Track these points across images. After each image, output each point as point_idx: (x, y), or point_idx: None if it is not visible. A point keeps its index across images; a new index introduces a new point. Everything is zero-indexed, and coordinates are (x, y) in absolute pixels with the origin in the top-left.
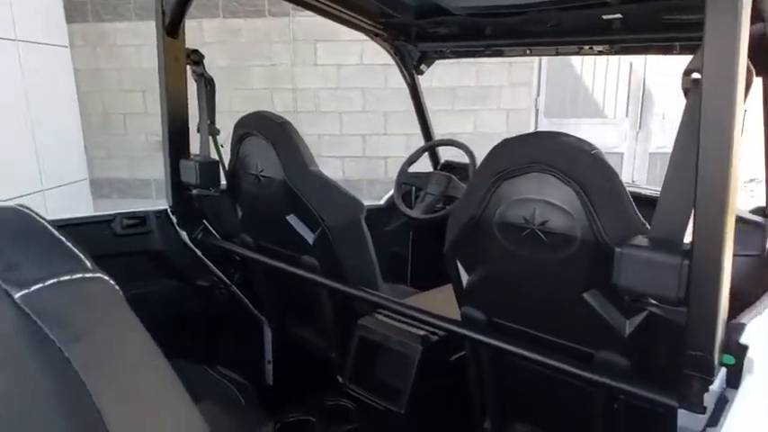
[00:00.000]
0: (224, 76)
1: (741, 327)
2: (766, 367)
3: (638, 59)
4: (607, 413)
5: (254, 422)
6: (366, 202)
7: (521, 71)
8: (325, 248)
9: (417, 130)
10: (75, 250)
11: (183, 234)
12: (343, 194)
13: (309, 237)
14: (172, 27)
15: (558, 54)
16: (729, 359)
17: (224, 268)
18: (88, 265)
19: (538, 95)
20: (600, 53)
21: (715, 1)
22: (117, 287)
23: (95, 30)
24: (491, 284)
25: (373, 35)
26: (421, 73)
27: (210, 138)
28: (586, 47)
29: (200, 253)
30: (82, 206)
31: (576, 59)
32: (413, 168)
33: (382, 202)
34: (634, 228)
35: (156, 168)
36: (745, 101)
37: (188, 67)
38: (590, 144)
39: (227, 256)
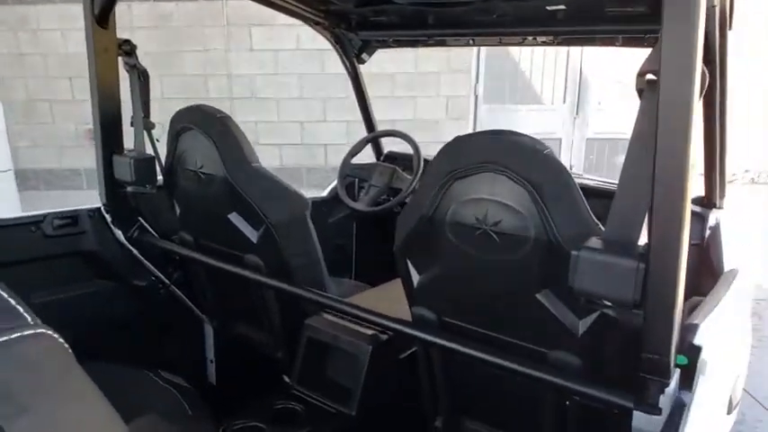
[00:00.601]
0: (155, 63)
1: (694, 328)
2: (718, 367)
3: (575, 48)
4: (559, 412)
5: (202, 429)
6: (308, 193)
7: (460, 58)
8: (269, 247)
9: (358, 116)
10: (12, 301)
11: (118, 233)
12: (288, 191)
13: (253, 235)
14: (102, 16)
15: (501, 44)
16: (683, 360)
17: (162, 267)
18: (29, 318)
19: (477, 82)
20: (543, 44)
21: (673, 3)
22: (63, 342)
23: (16, 12)
24: (443, 285)
25: (313, 23)
26: (362, 62)
27: (146, 132)
28: (530, 38)
29: (136, 252)
30: (6, 199)
31: (514, 47)
32: (355, 159)
33: (325, 193)
34: (588, 228)
35: (86, 158)
36: (699, 100)
37: (120, 58)
38: (542, 144)
39: (165, 255)
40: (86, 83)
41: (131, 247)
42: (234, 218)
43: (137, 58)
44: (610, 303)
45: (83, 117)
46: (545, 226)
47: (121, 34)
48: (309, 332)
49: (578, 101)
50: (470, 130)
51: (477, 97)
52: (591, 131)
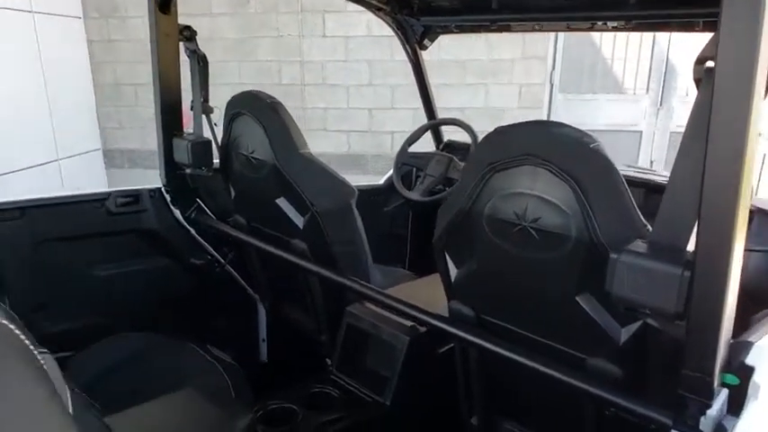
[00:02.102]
0: (232, 49)
1: (747, 345)
2: None
3: (662, 33)
4: (596, 421)
5: (237, 406)
6: (368, 179)
7: (535, 44)
8: (314, 233)
9: (441, 103)
10: None
11: (177, 213)
12: (334, 179)
13: (299, 221)
14: (164, 2)
15: (569, 30)
16: (733, 380)
17: (218, 247)
18: None
19: (553, 69)
20: (615, 29)
21: None
22: (17, 331)
23: (108, 1)
24: (480, 281)
25: (375, 9)
26: (424, 48)
27: (204, 116)
28: (600, 23)
29: (193, 231)
30: (95, 176)
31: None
32: (413, 148)
33: (382, 181)
34: (634, 230)
35: None
36: (766, 95)
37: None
38: (590, 136)
39: (221, 235)
40: None
41: (189, 227)
42: (282, 203)
43: (196, 44)
44: (650, 312)
45: None
46: (587, 225)
47: (201, 20)
48: (350, 319)
49: (663, 90)
50: None
51: (552, 86)
52: (675, 124)
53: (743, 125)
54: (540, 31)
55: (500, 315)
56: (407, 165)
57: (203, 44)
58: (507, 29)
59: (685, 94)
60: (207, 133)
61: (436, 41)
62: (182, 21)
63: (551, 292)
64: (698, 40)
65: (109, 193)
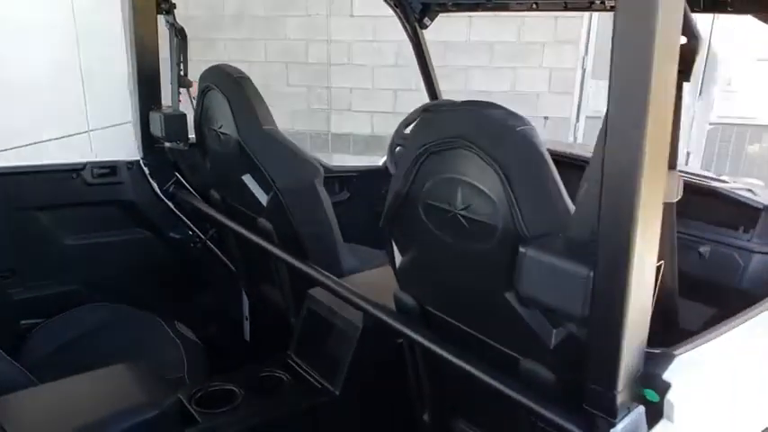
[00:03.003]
0: (260, 27)
1: (668, 358)
2: (715, 415)
3: (703, 17)
4: (531, 423)
5: (183, 384)
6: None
7: (568, 27)
8: (278, 212)
9: (451, 86)
10: None
11: (156, 186)
12: (297, 157)
13: (263, 199)
14: None
15: (566, 9)
16: (653, 396)
17: (199, 223)
18: None
19: (586, 54)
20: (612, 9)
21: None
22: None
23: None
24: (420, 270)
25: None
26: (424, 27)
27: (187, 91)
28: (598, 1)
29: (171, 205)
30: (127, 148)
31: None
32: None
33: (381, 162)
34: (557, 222)
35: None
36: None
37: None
38: (520, 119)
39: (197, 210)
40: (199, 44)
41: (167, 201)
42: (247, 179)
43: (174, 17)
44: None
45: (194, 77)
46: (512, 215)
47: None
48: (310, 302)
49: (703, 79)
50: (575, 107)
51: (584, 71)
52: (715, 115)
53: (638, 100)
54: (537, 10)
55: (441, 307)
56: (402, 146)
57: (232, 23)
58: (505, 8)
59: (727, 83)
60: (187, 108)
61: (466, 22)
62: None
63: (482, 287)
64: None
65: (85, 164)
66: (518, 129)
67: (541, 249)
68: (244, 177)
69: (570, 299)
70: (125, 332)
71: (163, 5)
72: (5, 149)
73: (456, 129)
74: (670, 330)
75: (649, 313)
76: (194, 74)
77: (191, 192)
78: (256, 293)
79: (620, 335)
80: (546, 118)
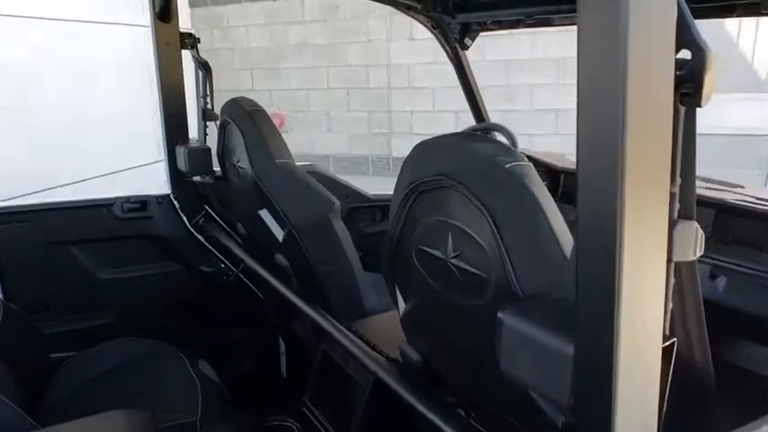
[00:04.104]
0: (322, 55)
1: None
2: None
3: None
4: None
5: (192, 429)
6: None
7: None
8: (294, 248)
9: (516, 106)
10: None
11: (185, 219)
12: (311, 191)
13: (279, 234)
14: (163, 11)
15: None
16: None
17: (231, 255)
18: None
19: None
20: None
21: None
22: None
23: (211, 12)
24: (420, 321)
25: (405, 8)
26: (465, 47)
27: (214, 123)
28: None
29: (202, 239)
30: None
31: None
32: None
33: None
34: (556, 281)
35: None
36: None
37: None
38: (512, 153)
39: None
40: (264, 73)
41: (197, 234)
42: (264, 214)
43: (197, 51)
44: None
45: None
46: (504, 266)
47: (294, 27)
48: (324, 345)
49: None
50: None
51: None
52: None
53: (612, 155)
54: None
55: (444, 367)
56: None
57: (295, 52)
58: (548, 23)
59: None
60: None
61: (530, 39)
62: (276, 29)
63: (480, 350)
64: None
65: (115, 199)
66: (507, 165)
67: (521, 315)
68: (260, 212)
69: (552, 382)
70: (150, 369)
71: (187, 40)
72: (84, 179)
73: (440, 166)
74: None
75: (656, 404)
76: (261, 104)
77: (221, 225)
78: (287, 329)
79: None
80: None
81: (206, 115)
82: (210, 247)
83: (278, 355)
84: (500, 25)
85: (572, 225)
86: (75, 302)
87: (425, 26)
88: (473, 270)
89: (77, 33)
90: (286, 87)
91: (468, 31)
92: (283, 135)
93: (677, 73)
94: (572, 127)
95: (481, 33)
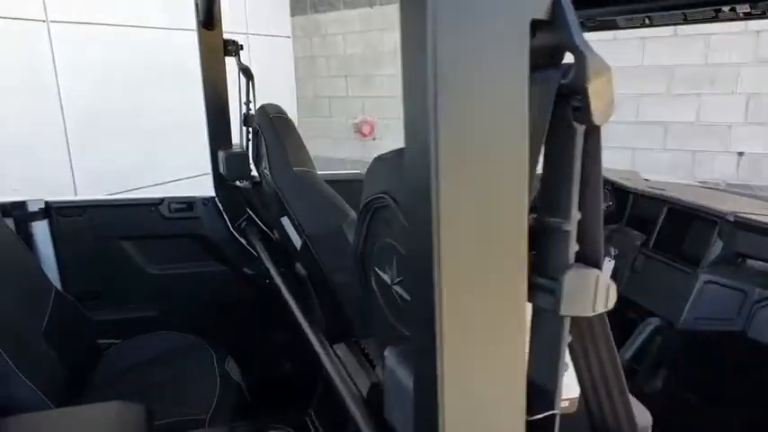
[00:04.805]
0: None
1: None
2: None
3: None
4: None
5: (196, 427)
6: None
7: None
8: (310, 258)
9: (616, 117)
10: None
11: (229, 222)
12: (327, 201)
13: (297, 243)
14: (207, 19)
15: (717, 20)
16: None
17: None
18: None
19: None
20: (747, 16)
21: None
22: None
23: (312, 21)
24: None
25: None
26: None
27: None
28: (726, 9)
29: (243, 242)
30: None
31: None
32: None
33: None
34: None
35: (351, 149)
36: None
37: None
38: None
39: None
40: (358, 80)
41: (239, 237)
42: (285, 222)
43: (239, 57)
44: None
45: (353, 112)
46: None
47: (388, 35)
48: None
49: None
50: None
51: None
52: None
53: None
54: (685, 24)
55: None
56: None
57: (389, 59)
58: (614, 25)
59: None
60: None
61: (638, 44)
62: (371, 36)
63: None
64: None
65: (162, 199)
66: None
67: (396, 355)
68: (282, 219)
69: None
70: (180, 363)
71: (230, 47)
72: (156, 184)
73: (383, 183)
74: None
75: None
76: (354, 111)
77: (261, 229)
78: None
79: None
80: (740, 154)
81: (248, 121)
82: (252, 250)
83: (303, 362)
84: (593, 26)
85: (637, 251)
86: (123, 294)
87: None
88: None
89: (169, 40)
90: (378, 94)
91: None
92: (372, 142)
93: (562, 81)
94: (683, 142)
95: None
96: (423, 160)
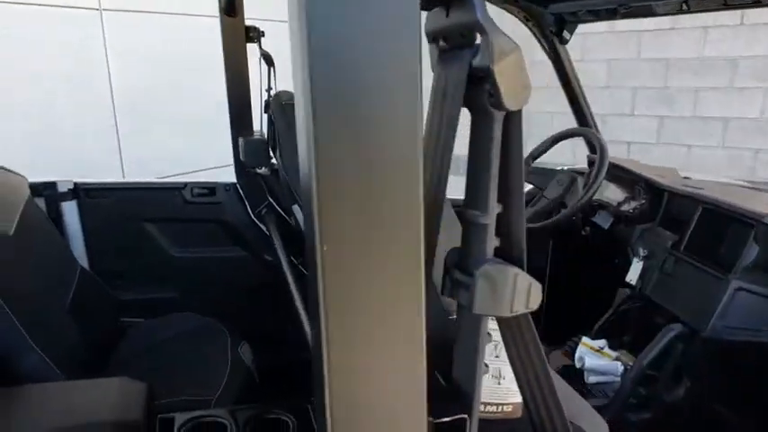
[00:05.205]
0: None
1: None
2: None
3: None
4: None
5: (200, 407)
6: None
7: None
8: None
9: (672, 112)
10: None
11: (249, 208)
12: None
13: None
14: (229, 5)
15: (726, 8)
16: None
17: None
18: None
19: None
20: None
21: None
22: None
23: None
24: None
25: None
26: (565, 42)
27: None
28: None
29: (264, 228)
30: None
31: None
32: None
33: None
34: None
35: None
36: None
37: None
38: None
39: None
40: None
41: (259, 223)
42: (296, 210)
43: (260, 44)
44: None
45: None
46: None
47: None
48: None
49: None
50: None
51: None
52: None
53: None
54: (689, 12)
55: None
56: (527, 182)
57: None
58: (649, 12)
59: None
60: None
61: (698, 35)
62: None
63: None
64: None
65: (185, 183)
66: None
67: None
68: (294, 207)
69: None
70: (196, 345)
71: (252, 34)
72: (197, 170)
73: None
74: None
75: None
76: None
77: (281, 216)
78: None
79: None
80: None
81: (268, 108)
82: (271, 236)
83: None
84: (597, 16)
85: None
86: (146, 274)
87: (518, 18)
88: None
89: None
90: None
91: (565, 24)
92: None
93: (474, 63)
94: (744, 139)
95: (585, 26)
96: (305, 144)
